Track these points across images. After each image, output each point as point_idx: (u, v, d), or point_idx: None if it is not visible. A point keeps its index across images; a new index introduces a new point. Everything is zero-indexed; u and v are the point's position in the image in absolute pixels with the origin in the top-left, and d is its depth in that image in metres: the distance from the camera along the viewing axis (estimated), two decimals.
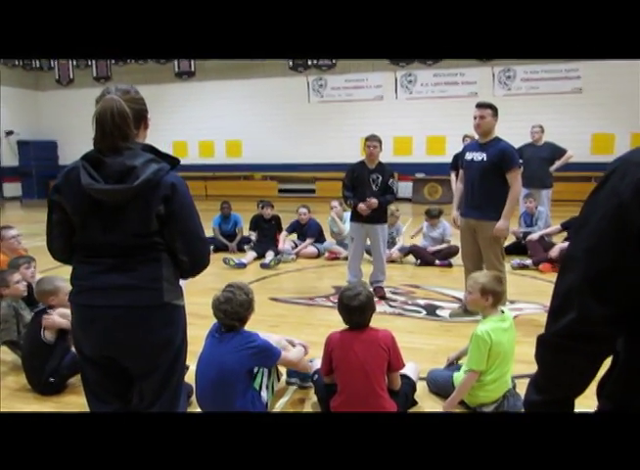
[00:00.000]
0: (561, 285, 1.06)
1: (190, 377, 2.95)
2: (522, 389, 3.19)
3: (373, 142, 5.29)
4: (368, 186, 5.26)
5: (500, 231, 4.35)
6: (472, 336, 2.96)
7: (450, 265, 6.82)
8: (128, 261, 1.89)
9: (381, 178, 5.27)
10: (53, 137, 18.01)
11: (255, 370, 2.98)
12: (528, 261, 6.68)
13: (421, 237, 7.42)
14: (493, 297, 3.03)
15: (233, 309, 2.80)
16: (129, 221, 1.85)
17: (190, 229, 1.95)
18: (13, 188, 17.70)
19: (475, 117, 4.41)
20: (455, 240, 7.14)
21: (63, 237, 1.94)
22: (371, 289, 5.39)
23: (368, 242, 5.56)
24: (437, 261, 6.88)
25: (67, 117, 17.80)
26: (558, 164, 7.87)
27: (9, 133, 17.76)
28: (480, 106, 4.42)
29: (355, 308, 2.75)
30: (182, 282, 2.12)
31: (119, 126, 1.80)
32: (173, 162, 1.95)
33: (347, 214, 6.97)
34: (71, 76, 18.49)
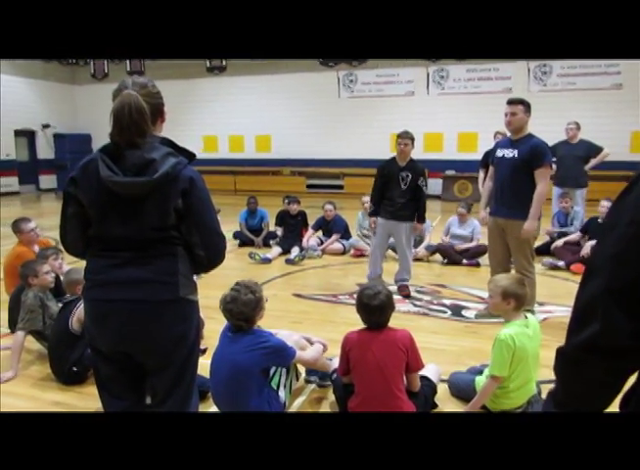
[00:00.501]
0: (584, 293, 0.98)
1: (205, 372, 2.94)
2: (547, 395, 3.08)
3: (405, 139, 5.20)
4: (397, 184, 5.18)
5: (527, 232, 4.22)
6: (495, 340, 2.85)
7: (478, 265, 6.66)
8: (145, 255, 1.87)
9: (410, 177, 5.17)
10: (87, 130, 18.35)
11: (273, 369, 2.93)
12: (561, 262, 6.48)
13: (445, 234, 7.22)
14: (515, 300, 2.91)
15: (238, 309, 2.74)
16: (147, 215, 1.84)
17: (207, 223, 1.93)
18: (49, 180, 18.14)
19: (505, 114, 4.28)
20: (484, 239, 7.02)
21: (77, 230, 1.93)
22: (395, 287, 5.35)
23: (392, 239, 5.48)
24: (465, 261, 6.74)
25: (101, 110, 17.93)
26: (593, 162, 7.61)
27: (45, 126, 18.20)
28: (510, 102, 4.29)
29: (375, 308, 2.68)
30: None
31: (137, 122, 1.79)
32: (190, 156, 1.94)
33: None
34: (106, 71, 18.81)
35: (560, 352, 1.03)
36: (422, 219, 5.35)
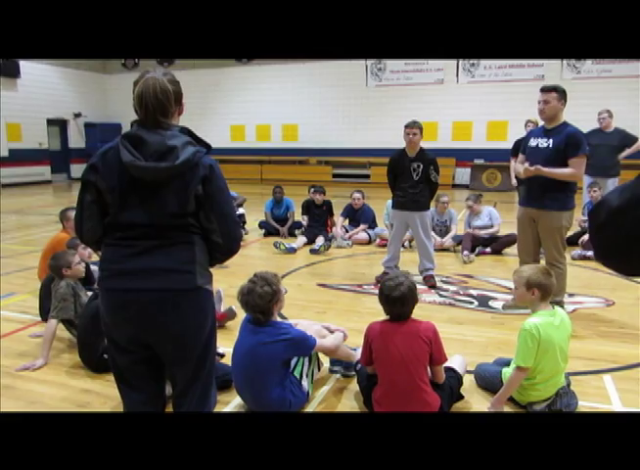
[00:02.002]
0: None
1: (229, 361, 2.97)
2: (577, 386, 3.03)
3: (413, 129, 5.15)
4: (409, 175, 5.17)
5: (534, 172, 4.06)
6: (520, 330, 2.81)
7: (497, 253, 6.69)
8: (163, 244, 1.87)
9: (422, 166, 5.15)
10: (118, 120, 18.62)
11: (295, 359, 2.94)
12: (590, 252, 6.34)
13: (467, 227, 7.10)
14: (540, 290, 2.86)
15: (254, 302, 2.74)
16: (167, 200, 1.85)
17: (226, 211, 1.95)
18: (80, 169, 18.46)
19: (539, 102, 4.17)
20: (506, 227, 6.92)
21: (95, 218, 1.93)
22: (421, 278, 5.31)
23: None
24: (478, 249, 6.72)
25: (131, 100, 18.28)
26: (627, 151, 7.40)
27: (77, 115, 18.54)
28: (544, 90, 4.16)
29: (396, 299, 2.64)
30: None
31: (162, 102, 1.84)
32: (207, 147, 1.97)
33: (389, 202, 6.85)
34: (136, 60, 19.01)
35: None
36: (427, 207, 5.33)
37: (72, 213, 4.78)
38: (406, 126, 5.21)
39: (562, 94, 4.13)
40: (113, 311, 1.93)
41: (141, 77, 1.88)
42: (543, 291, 2.87)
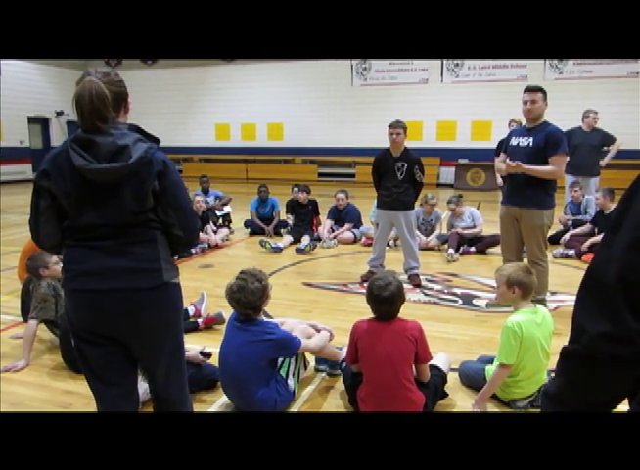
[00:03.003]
0: (588, 298, 0.99)
1: (215, 361, 2.96)
2: None
3: (397, 129, 5.18)
4: (393, 175, 5.20)
5: (514, 168, 4.12)
6: (502, 328, 2.84)
7: (480, 252, 6.76)
8: (124, 242, 1.88)
9: (406, 166, 5.19)
10: None
11: (281, 359, 2.95)
12: (572, 251, 6.43)
13: (449, 228, 7.16)
14: (520, 288, 2.90)
15: (245, 298, 2.75)
16: (125, 199, 1.85)
17: (184, 204, 1.98)
18: None
19: (525, 102, 4.21)
20: (488, 227, 6.98)
21: (52, 222, 1.92)
22: (406, 277, 5.34)
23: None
24: (466, 248, 6.79)
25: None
26: (609, 155, 7.56)
27: (59, 113, 18.31)
28: (530, 90, 4.21)
29: (385, 299, 2.66)
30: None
31: (98, 108, 1.81)
32: (156, 141, 1.97)
33: None
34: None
35: (568, 352, 1.03)
36: (412, 206, 5.35)
37: None
38: (390, 126, 5.23)
39: (545, 95, 4.21)
40: (79, 311, 1.91)
41: (81, 79, 1.86)
42: (523, 289, 2.90)
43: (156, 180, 1.87)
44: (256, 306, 2.80)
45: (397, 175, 5.18)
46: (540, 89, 4.19)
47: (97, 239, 1.87)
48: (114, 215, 1.86)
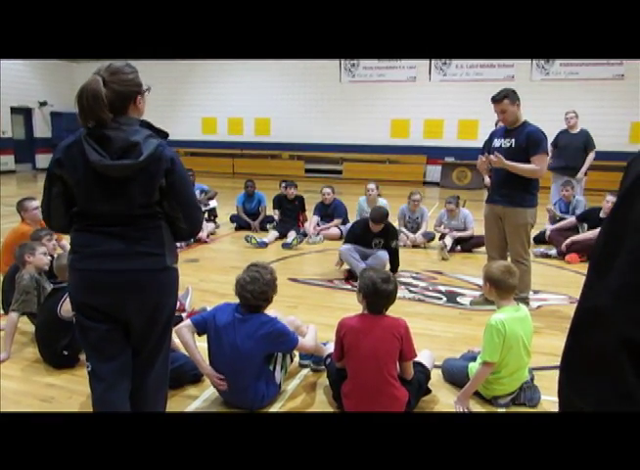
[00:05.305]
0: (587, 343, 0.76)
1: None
2: (540, 381, 3.10)
3: (378, 225, 5.41)
4: (369, 246, 5.52)
5: (496, 162, 4.19)
6: (486, 326, 2.87)
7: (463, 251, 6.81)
8: (132, 230, 2.00)
9: (382, 242, 5.47)
10: None
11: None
12: (553, 251, 6.51)
13: (437, 226, 7.21)
14: (492, 285, 2.95)
15: (260, 289, 2.79)
16: (134, 193, 1.96)
17: (189, 199, 2.11)
18: (45, 159, 17.94)
19: (496, 113, 4.28)
20: (480, 230, 7.02)
21: (62, 208, 2.04)
22: None
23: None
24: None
25: None
26: (584, 166, 7.57)
27: (42, 104, 18.02)
28: (495, 100, 4.23)
29: (391, 292, 2.69)
30: None
31: (91, 107, 1.89)
32: (164, 135, 2.08)
33: (383, 200, 6.88)
34: None
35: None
36: (395, 271, 5.53)
37: (30, 204, 4.68)
38: (372, 220, 5.41)
39: (512, 96, 4.20)
40: (85, 289, 2.03)
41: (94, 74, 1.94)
42: (496, 287, 2.94)
43: (163, 177, 1.97)
44: (269, 297, 2.86)
45: (372, 246, 5.53)
46: (505, 96, 4.18)
47: (106, 225, 1.99)
48: (123, 207, 1.97)
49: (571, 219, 6.87)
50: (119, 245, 1.98)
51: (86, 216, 2.01)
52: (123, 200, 1.97)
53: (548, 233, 6.92)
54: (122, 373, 2.12)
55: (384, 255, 5.45)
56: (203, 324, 2.90)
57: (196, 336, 2.92)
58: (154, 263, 2.03)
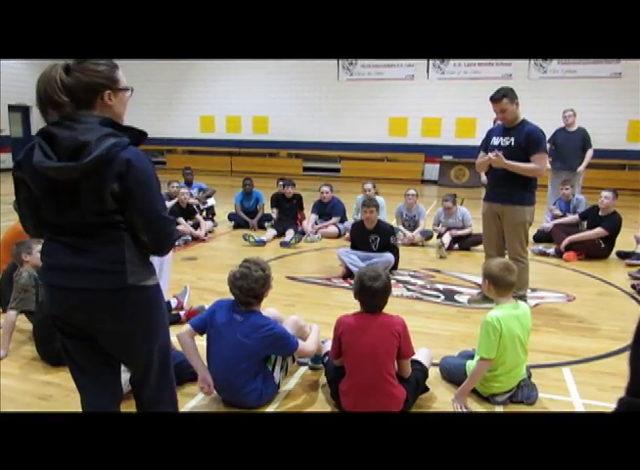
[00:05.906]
0: None
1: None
2: (537, 379, 3.11)
3: (370, 208, 5.52)
4: (368, 246, 5.58)
5: (496, 161, 4.20)
6: (482, 323, 2.88)
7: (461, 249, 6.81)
8: (90, 242, 1.79)
9: (379, 239, 5.56)
10: None
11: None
12: (550, 250, 6.52)
13: (435, 225, 7.21)
14: (491, 282, 2.94)
15: (248, 286, 2.77)
16: (84, 199, 1.74)
17: (148, 207, 1.80)
18: None
19: (495, 112, 4.27)
20: (478, 228, 7.02)
21: (30, 213, 1.86)
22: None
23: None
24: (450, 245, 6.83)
25: None
26: (583, 164, 7.60)
27: None
28: (494, 100, 4.21)
29: (378, 290, 2.68)
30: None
31: (50, 96, 1.72)
32: (138, 136, 1.82)
33: (380, 199, 6.88)
34: None
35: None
36: (395, 268, 5.67)
37: None
38: (363, 204, 5.61)
39: (511, 94, 4.19)
40: (52, 305, 1.88)
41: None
42: (494, 283, 2.94)
43: (116, 182, 1.72)
44: (259, 295, 2.82)
45: (372, 246, 5.58)
46: (504, 95, 4.17)
47: (66, 235, 1.79)
48: (76, 214, 1.76)
49: (574, 216, 6.88)
50: (76, 259, 1.77)
51: (47, 223, 1.83)
52: (75, 207, 1.75)
53: (550, 227, 6.92)
54: (107, 390, 1.99)
55: (389, 256, 5.49)
56: (202, 325, 2.91)
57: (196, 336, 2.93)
58: (108, 282, 1.78)
